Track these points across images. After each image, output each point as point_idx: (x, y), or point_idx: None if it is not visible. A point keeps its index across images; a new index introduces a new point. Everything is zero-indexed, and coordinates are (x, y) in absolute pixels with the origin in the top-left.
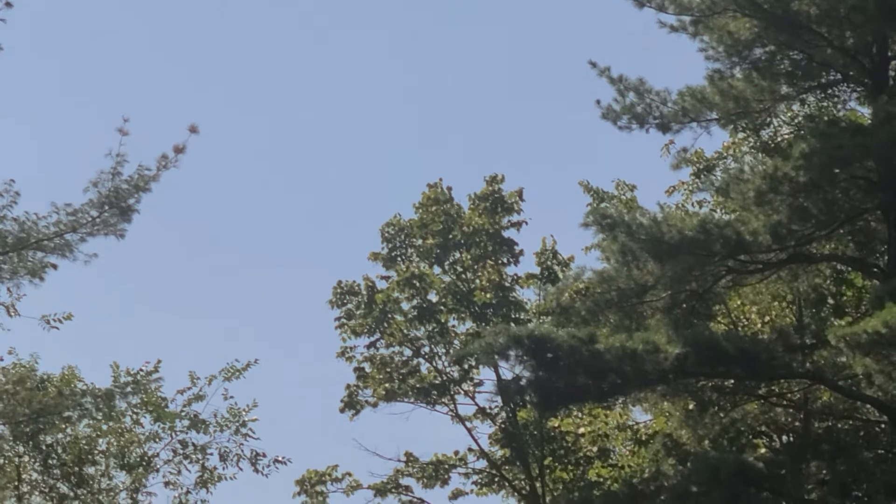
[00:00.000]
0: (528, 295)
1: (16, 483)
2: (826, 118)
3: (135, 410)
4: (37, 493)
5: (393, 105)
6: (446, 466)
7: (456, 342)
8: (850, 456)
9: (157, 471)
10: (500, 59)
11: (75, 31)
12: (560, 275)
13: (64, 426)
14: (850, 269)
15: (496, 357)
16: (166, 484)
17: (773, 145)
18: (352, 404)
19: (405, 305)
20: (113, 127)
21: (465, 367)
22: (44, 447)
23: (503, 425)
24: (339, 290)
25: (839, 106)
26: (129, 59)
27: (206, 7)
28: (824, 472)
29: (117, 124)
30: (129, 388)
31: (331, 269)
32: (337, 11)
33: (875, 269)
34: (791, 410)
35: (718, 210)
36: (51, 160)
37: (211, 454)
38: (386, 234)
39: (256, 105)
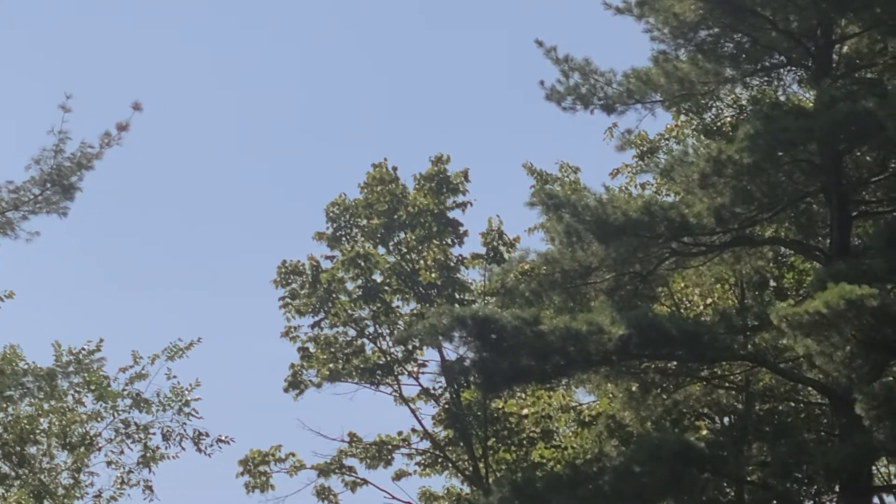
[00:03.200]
0: (474, 275)
1: None
2: (769, 101)
3: (77, 390)
4: None
5: (339, 84)
6: (390, 447)
7: (400, 323)
8: (791, 437)
9: (100, 450)
10: (445, 40)
11: (16, 4)
12: (505, 255)
13: (5, 405)
14: (792, 252)
15: (440, 338)
16: (108, 463)
17: (715, 128)
18: (296, 384)
19: (350, 285)
20: (55, 103)
21: (409, 347)
22: None
23: (447, 406)
24: (283, 270)
25: (781, 89)
26: (71, 34)
27: None
28: (765, 453)
29: (60, 101)
30: (71, 368)
31: (275, 248)
32: None
33: (817, 252)
34: (733, 392)
35: (662, 192)
36: None
37: (153, 434)
38: (331, 214)
39: (200, 80)
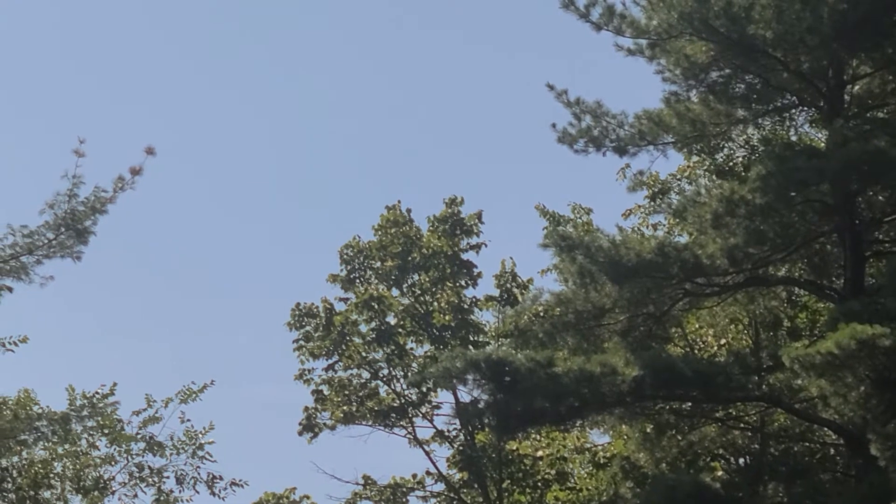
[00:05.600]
0: (487, 317)
1: None
2: (781, 141)
3: (91, 433)
4: None
5: (353, 126)
6: (404, 489)
7: (414, 365)
8: (806, 478)
9: (113, 494)
10: (458, 82)
11: (31, 50)
12: (519, 297)
13: (19, 449)
14: (805, 292)
15: (454, 380)
16: None
17: (727, 168)
18: (310, 427)
19: (363, 328)
20: (69, 148)
21: (424, 390)
22: None
23: (461, 448)
24: (297, 312)
25: (793, 130)
26: (85, 80)
27: (162, 30)
28: (781, 494)
29: (73, 145)
30: (84, 412)
31: (289, 290)
32: (295, 33)
33: (831, 292)
34: (748, 433)
35: (674, 232)
36: (6, 182)
37: (167, 477)
38: (345, 256)
39: (214, 125)
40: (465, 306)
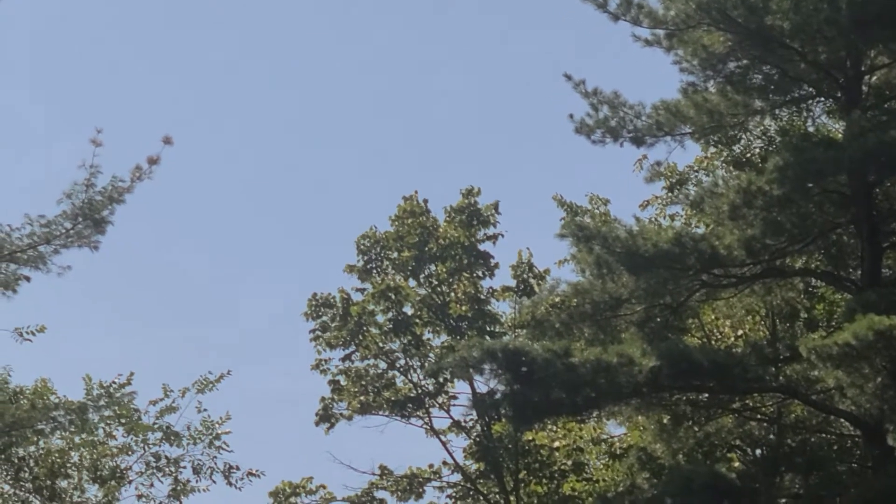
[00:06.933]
0: (504, 308)
1: None
2: (799, 132)
3: (108, 423)
4: None
5: (369, 116)
6: (421, 480)
7: (431, 355)
8: (823, 469)
9: (130, 483)
10: (475, 72)
11: (50, 39)
12: (536, 288)
13: (36, 439)
14: (823, 283)
15: (471, 371)
16: (139, 497)
17: (744, 159)
18: (326, 417)
19: (380, 318)
20: (87, 137)
21: (440, 380)
22: (16, 460)
23: (478, 439)
24: (314, 303)
25: (810, 121)
26: (103, 69)
27: (181, 16)
28: (798, 485)
29: (91, 135)
30: (101, 401)
31: (306, 281)
32: (311, 23)
33: (848, 284)
34: (765, 424)
35: (692, 223)
36: (24, 171)
37: (184, 467)
38: (361, 247)
39: (231, 114)
40: (482, 297)
